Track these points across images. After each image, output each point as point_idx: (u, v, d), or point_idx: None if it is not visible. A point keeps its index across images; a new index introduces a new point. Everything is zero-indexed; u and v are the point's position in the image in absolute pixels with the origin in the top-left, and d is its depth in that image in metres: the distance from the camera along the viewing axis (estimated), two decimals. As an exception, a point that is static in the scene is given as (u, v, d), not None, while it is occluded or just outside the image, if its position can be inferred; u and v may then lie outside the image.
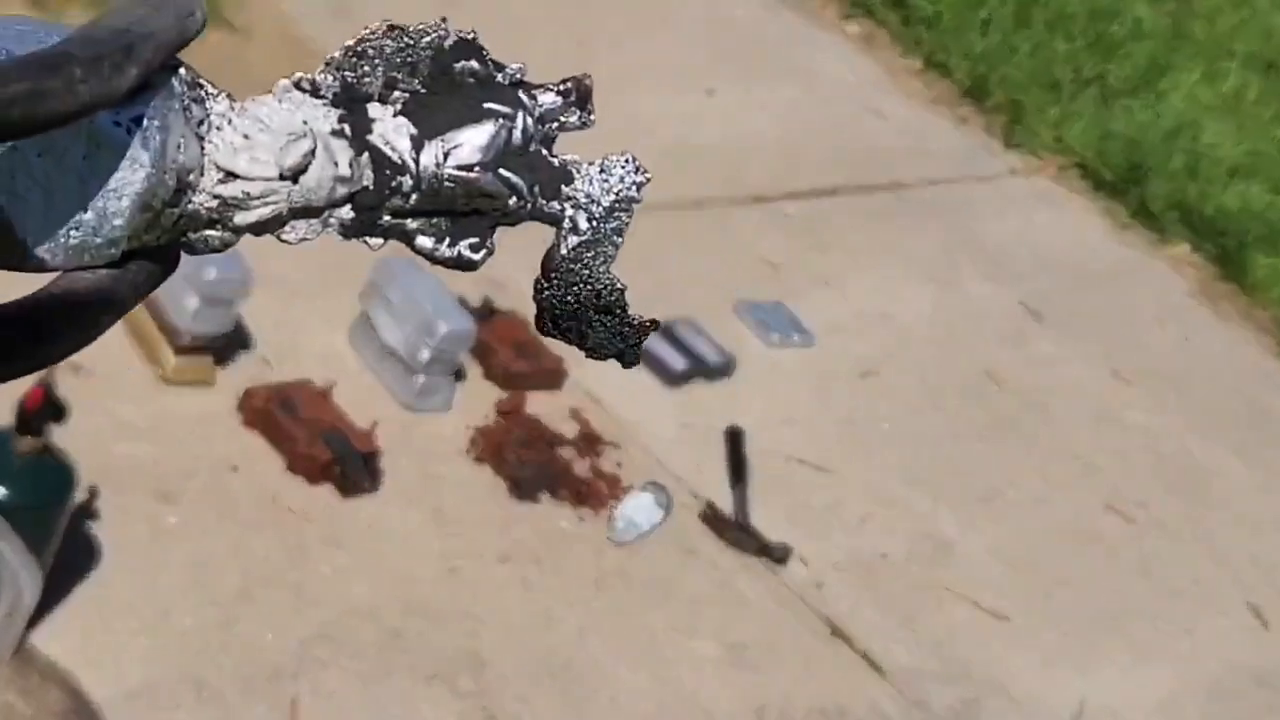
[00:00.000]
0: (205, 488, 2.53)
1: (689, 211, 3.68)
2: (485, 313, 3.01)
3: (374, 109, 0.53)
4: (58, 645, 2.20)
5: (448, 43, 0.53)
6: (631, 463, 2.88)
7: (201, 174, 0.50)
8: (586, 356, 0.57)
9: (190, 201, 0.50)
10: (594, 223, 0.57)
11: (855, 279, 3.70)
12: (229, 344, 2.72)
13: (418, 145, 0.53)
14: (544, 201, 0.56)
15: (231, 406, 2.65)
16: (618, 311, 0.57)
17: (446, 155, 0.53)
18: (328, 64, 0.53)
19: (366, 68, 0.53)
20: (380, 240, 0.54)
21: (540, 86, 0.56)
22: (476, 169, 0.54)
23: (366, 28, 0.54)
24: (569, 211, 0.56)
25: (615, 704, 2.48)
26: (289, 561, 2.47)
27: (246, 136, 0.50)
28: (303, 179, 0.51)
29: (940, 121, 4.56)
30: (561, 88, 0.56)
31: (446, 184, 0.53)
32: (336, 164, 0.52)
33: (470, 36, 0.54)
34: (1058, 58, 4.98)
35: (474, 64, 0.54)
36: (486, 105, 0.54)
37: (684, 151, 3.88)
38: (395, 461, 2.67)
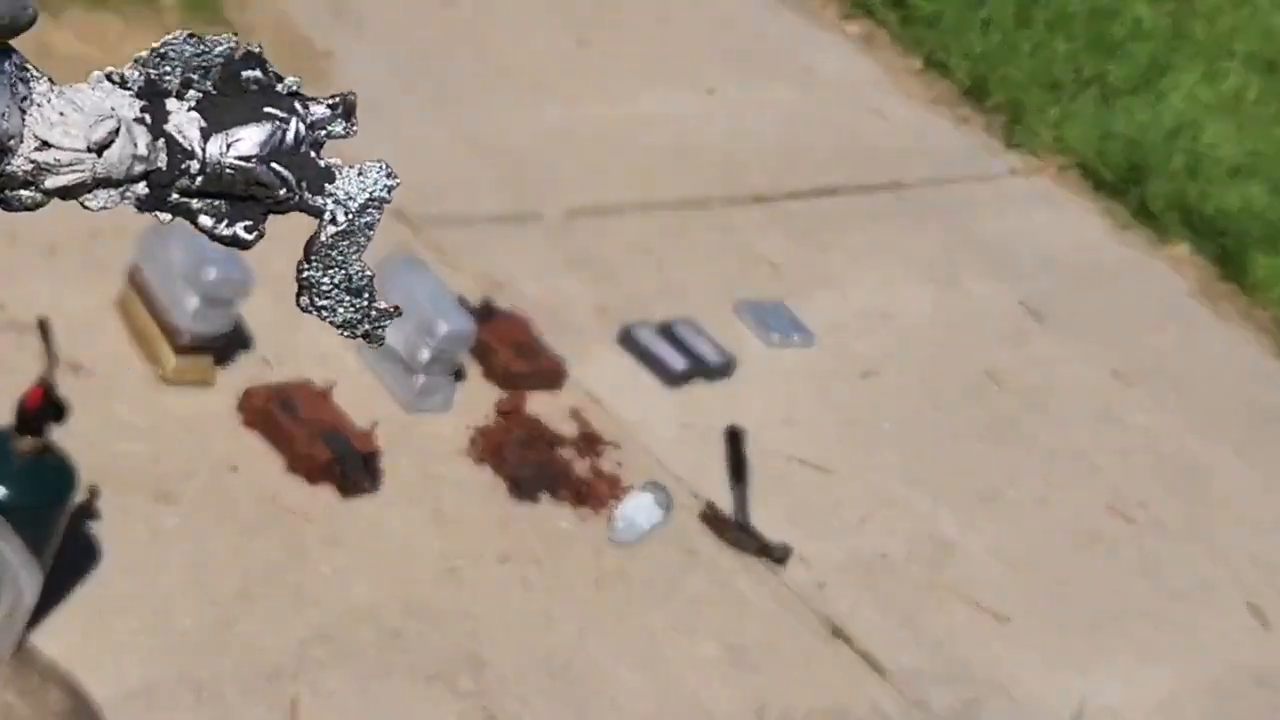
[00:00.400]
0: (205, 488, 2.52)
1: (689, 211, 3.68)
2: (485, 313, 3.01)
3: (171, 103, 0.62)
4: (57, 645, 2.20)
5: (238, 54, 0.63)
6: (631, 463, 2.88)
7: (21, 141, 0.59)
8: (339, 333, 0.66)
9: (9, 164, 0.59)
10: (349, 217, 0.65)
11: (855, 279, 3.70)
12: (229, 344, 2.72)
13: (205, 136, 0.62)
14: (309, 195, 0.65)
15: (231, 406, 2.65)
16: (366, 295, 0.66)
17: (229, 146, 0.62)
18: (135, 61, 0.62)
19: (167, 68, 0.62)
20: (169, 216, 0.63)
21: (314, 99, 0.65)
22: (253, 160, 0.63)
23: (169, 33, 0.64)
24: (329, 205, 0.65)
25: (615, 704, 2.48)
26: (289, 562, 2.47)
27: (62, 114, 0.60)
28: (106, 153, 0.60)
29: (940, 121, 4.56)
30: (331, 101, 0.66)
31: (227, 171, 0.62)
32: (136, 145, 0.61)
33: (257, 50, 0.64)
34: (1058, 57, 4.98)
35: (258, 73, 0.63)
36: (266, 109, 0.63)
37: (684, 151, 3.87)
38: (395, 461, 2.67)
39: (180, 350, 2.64)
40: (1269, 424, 3.80)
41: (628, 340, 3.15)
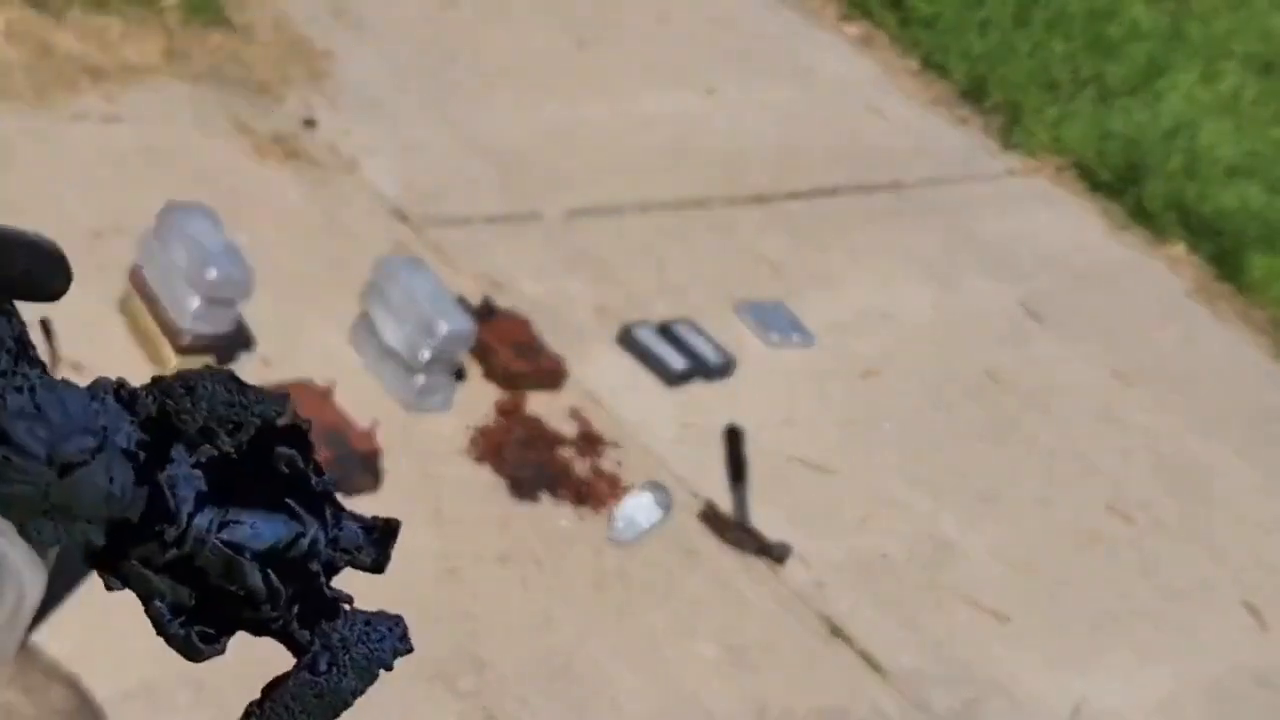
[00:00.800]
0: (206, 487, 2.52)
1: (689, 211, 3.68)
2: (485, 313, 3.01)
3: (177, 450, 0.51)
4: (59, 644, 2.20)
5: (280, 420, 0.51)
6: (631, 463, 2.88)
7: None
8: None
9: None
10: (334, 671, 0.53)
11: (855, 279, 3.70)
12: (230, 344, 2.72)
13: (199, 504, 0.51)
14: (296, 625, 0.52)
15: (232, 406, 2.65)
16: None
17: (223, 525, 0.51)
18: (154, 382, 0.51)
19: (190, 405, 0.51)
20: (118, 583, 0.51)
21: (348, 513, 0.53)
22: (246, 554, 0.51)
23: (209, 367, 0.52)
24: (316, 646, 0.53)
25: (615, 704, 2.48)
26: (290, 561, 2.47)
27: (38, 408, 0.49)
28: (69, 477, 0.48)
29: (939, 122, 4.57)
30: (368, 523, 0.54)
31: (209, 551, 0.50)
32: (111, 481, 0.49)
33: (304, 427, 0.52)
34: (1056, 58, 4.98)
35: (295, 456, 0.52)
36: (288, 501, 0.52)
37: (683, 151, 3.88)
38: (395, 461, 2.67)
39: (182, 350, 2.64)
40: (1268, 424, 3.80)
41: (627, 340, 3.16)
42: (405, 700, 2.35)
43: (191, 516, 0.50)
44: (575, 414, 2.93)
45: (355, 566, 0.54)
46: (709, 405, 3.13)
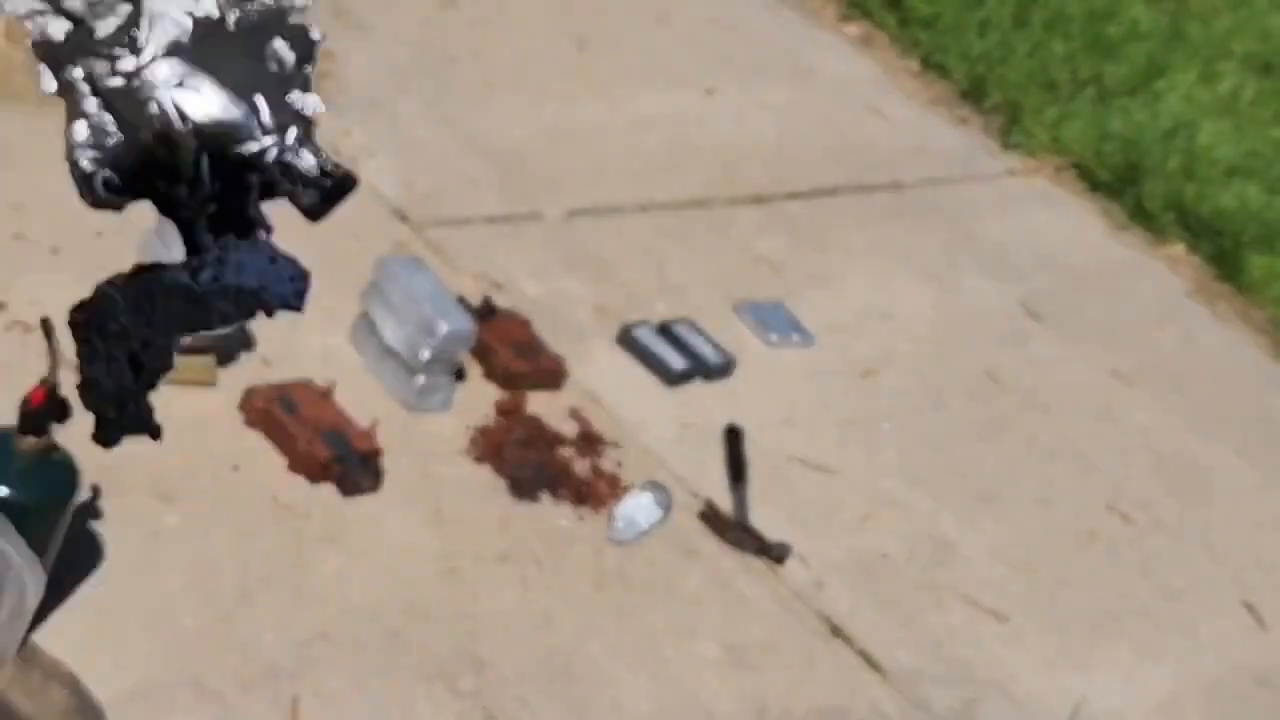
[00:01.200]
0: (206, 487, 2.53)
1: (688, 211, 3.68)
2: (485, 313, 3.01)
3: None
4: (59, 644, 2.20)
5: (294, 18, 0.49)
6: (631, 463, 2.88)
7: None
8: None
9: None
10: (215, 287, 0.50)
11: (854, 279, 3.70)
12: (230, 343, 2.72)
13: (170, 51, 0.48)
14: (204, 225, 0.50)
15: (233, 406, 2.65)
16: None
17: (180, 84, 0.48)
18: None
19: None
20: (53, 87, 0.47)
21: (316, 146, 0.49)
22: (188, 123, 0.48)
23: None
24: (210, 255, 0.50)
25: (615, 704, 2.48)
26: (289, 561, 2.47)
27: None
28: None
29: (939, 122, 4.57)
30: (328, 166, 0.50)
31: (154, 100, 0.47)
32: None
33: (316, 37, 0.49)
34: (1055, 58, 4.98)
35: (289, 56, 0.49)
36: (256, 96, 0.49)
37: (683, 151, 3.88)
38: (395, 461, 2.67)
39: (182, 350, 2.64)
40: (1267, 424, 3.80)
41: (627, 340, 3.16)
42: (405, 700, 2.35)
43: (154, 58, 0.48)
44: (575, 414, 2.93)
45: (292, 201, 0.50)
46: (709, 405, 3.13)
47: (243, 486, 2.55)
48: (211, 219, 0.51)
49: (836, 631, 2.76)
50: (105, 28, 0.49)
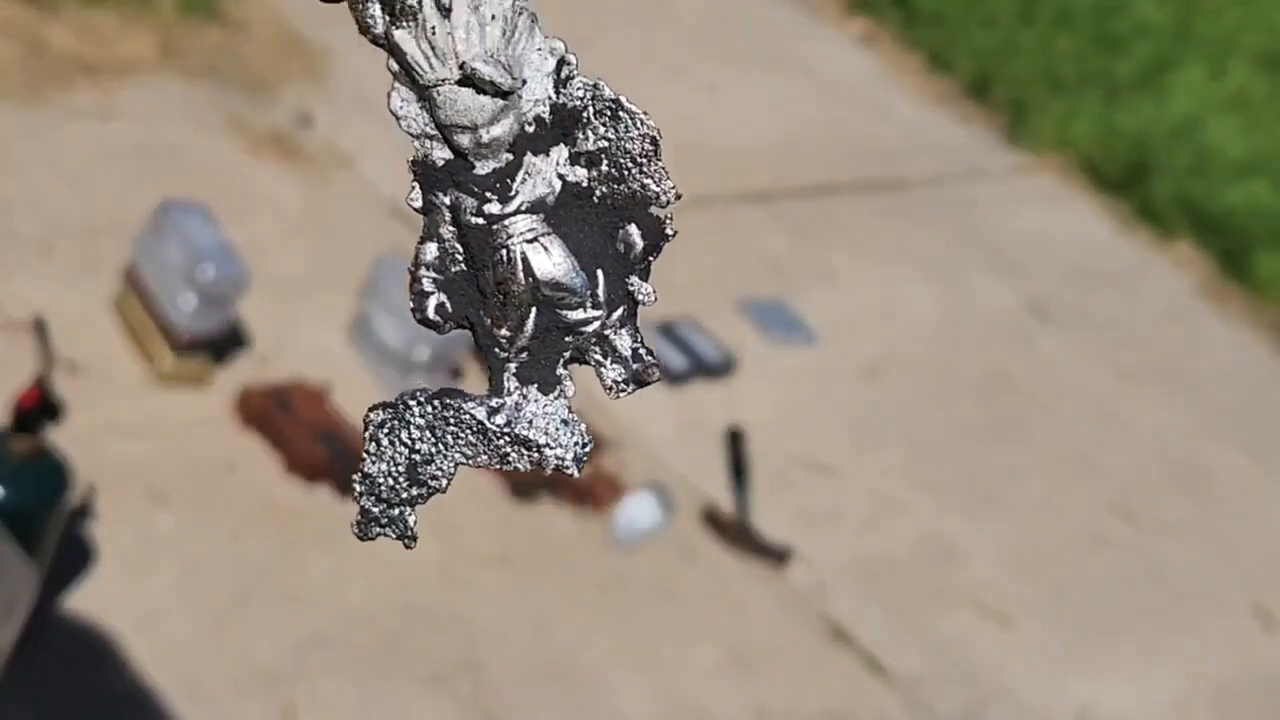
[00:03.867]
0: (202, 488, 2.50)
1: (690, 209, 3.66)
2: (485, 311, 2.98)
3: (559, 150, 0.52)
4: (52, 648, 2.18)
5: (658, 209, 0.52)
6: (631, 463, 2.86)
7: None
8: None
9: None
10: (504, 429, 0.54)
11: (858, 277, 3.68)
12: (226, 342, 2.70)
13: (534, 208, 0.52)
14: (511, 367, 0.54)
15: (229, 406, 2.63)
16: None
17: (534, 239, 0.52)
18: (596, 88, 0.52)
19: (603, 128, 0.52)
20: (417, 199, 0.52)
21: (638, 334, 0.54)
22: (528, 279, 0.52)
23: (643, 120, 0.53)
24: (508, 400, 0.54)
25: (615, 707, 2.46)
26: (285, 563, 2.44)
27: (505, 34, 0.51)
28: (468, 86, 0.50)
29: (943, 119, 4.54)
30: (635, 359, 0.55)
31: (505, 249, 0.51)
32: (495, 120, 0.51)
33: (668, 233, 0.52)
34: (1061, 54, 4.95)
35: (640, 247, 0.53)
36: (599, 268, 0.53)
37: (685, 148, 3.85)
38: (394, 462, 2.65)
39: (177, 349, 2.62)
40: (1274, 424, 3.77)
41: (628, 339, 3.13)
42: (402, 704, 2.33)
43: (519, 210, 0.52)
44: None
45: (597, 372, 0.54)
46: (710, 405, 3.10)
47: (238, 488, 2.53)
48: (520, 367, 0.55)
49: (839, 635, 2.73)
50: (483, 168, 0.52)
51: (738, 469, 2.95)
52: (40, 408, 2.09)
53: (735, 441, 3.00)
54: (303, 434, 2.58)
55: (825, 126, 4.22)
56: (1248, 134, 4.86)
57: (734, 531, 2.81)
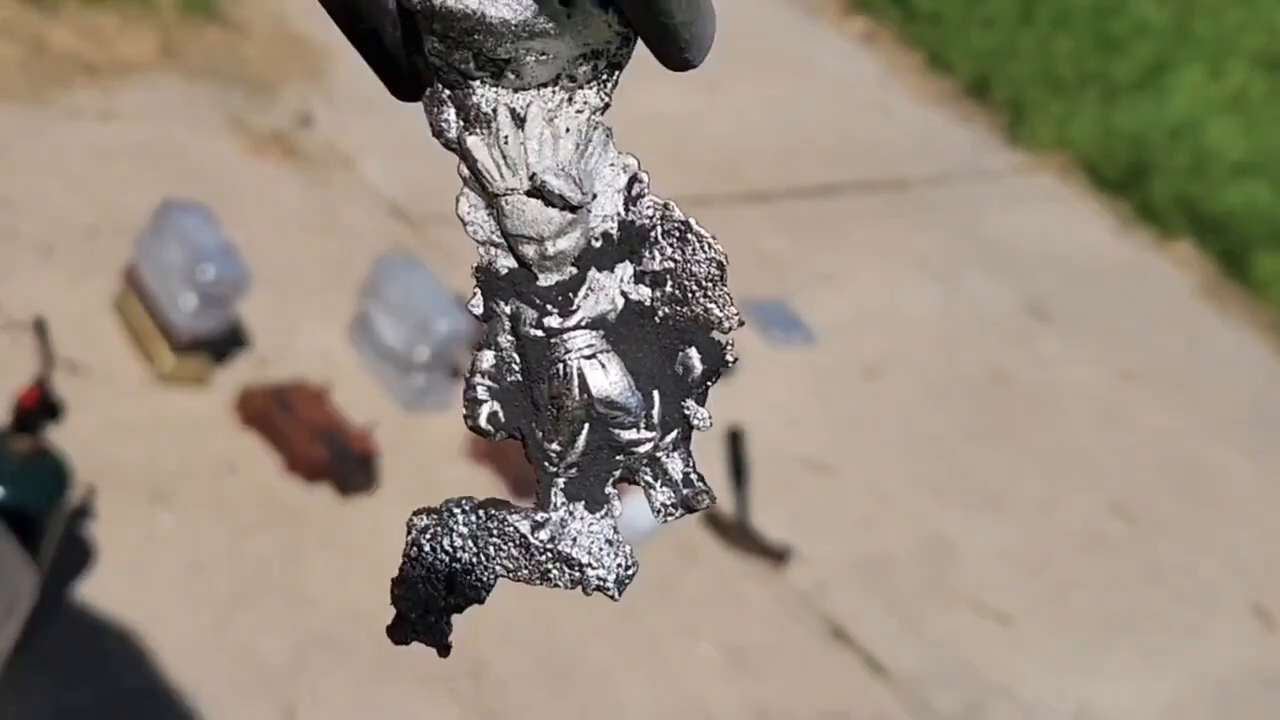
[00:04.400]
0: (202, 488, 2.50)
1: (690, 208, 3.65)
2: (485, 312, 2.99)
3: (624, 266, 0.52)
4: (53, 647, 2.18)
5: (719, 333, 0.52)
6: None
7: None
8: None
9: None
10: (547, 546, 0.53)
11: (858, 277, 3.68)
12: (226, 343, 2.70)
13: (595, 325, 0.52)
14: (560, 483, 0.53)
15: (229, 406, 2.63)
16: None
17: (591, 356, 0.52)
18: (667, 210, 0.52)
19: (664, 251, 0.52)
20: (479, 306, 0.52)
21: (689, 461, 0.54)
22: (583, 395, 0.51)
23: (711, 245, 0.52)
24: (554, 515, 0.53)
25: (616, 707, 2.46)
26: (286, 562, 2.45)
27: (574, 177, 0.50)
28: (538, 197, 0.50)
29: (943, 119, 4.54)
30: (684, 495, 0.54)
31: (560, 363, 0.51)
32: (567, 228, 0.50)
33: (730, 359, 0.52)
34: (1060, 55, 4.96)
35: (699, 372, 0.52)
36: (655, 389, 0.52)
37: (686, 148, 3.85)
38: (394, 461, 2.65)
39: (177, 349, 2.62)
40: (1274, 424, 3.77)
41: (628, 339, 3.13)
42: (403, 703, 2.33)
43: (579, 325, 0.51)
44: (575, 414, 2.91)
45: (646, 494, 0.53)
46: (710, 405, 3.10)
47: (238, 487, 2.53)
48: (568, 483, 0.54)
49: (839, 634, 2.73)
50: (546, 280, 0.52)
51: (738, 469, 2.95)
52: (40, 408, 2.09)
53: (735, 441, 3.01)
54: (303, 434, 2.58)
55: (825, 127, 4.22)
56: (1247, 134, 4.87)
57: (734, 531, 2.82)
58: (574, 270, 0.51)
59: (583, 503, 0.54)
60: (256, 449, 2.58)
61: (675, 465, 0.54)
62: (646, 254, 0.52)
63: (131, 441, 2.52)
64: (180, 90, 3.32)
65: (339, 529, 2.54)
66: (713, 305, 0.52)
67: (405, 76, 0.51)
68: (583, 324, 0.52)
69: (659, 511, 0.54)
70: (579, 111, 0.50)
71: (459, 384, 2.86)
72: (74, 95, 3.17)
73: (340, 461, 2.58)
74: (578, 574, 0.54)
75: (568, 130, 0.50)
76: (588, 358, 0.52)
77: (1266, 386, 3.95)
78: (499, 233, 0.51)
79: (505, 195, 0.50)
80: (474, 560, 0.54)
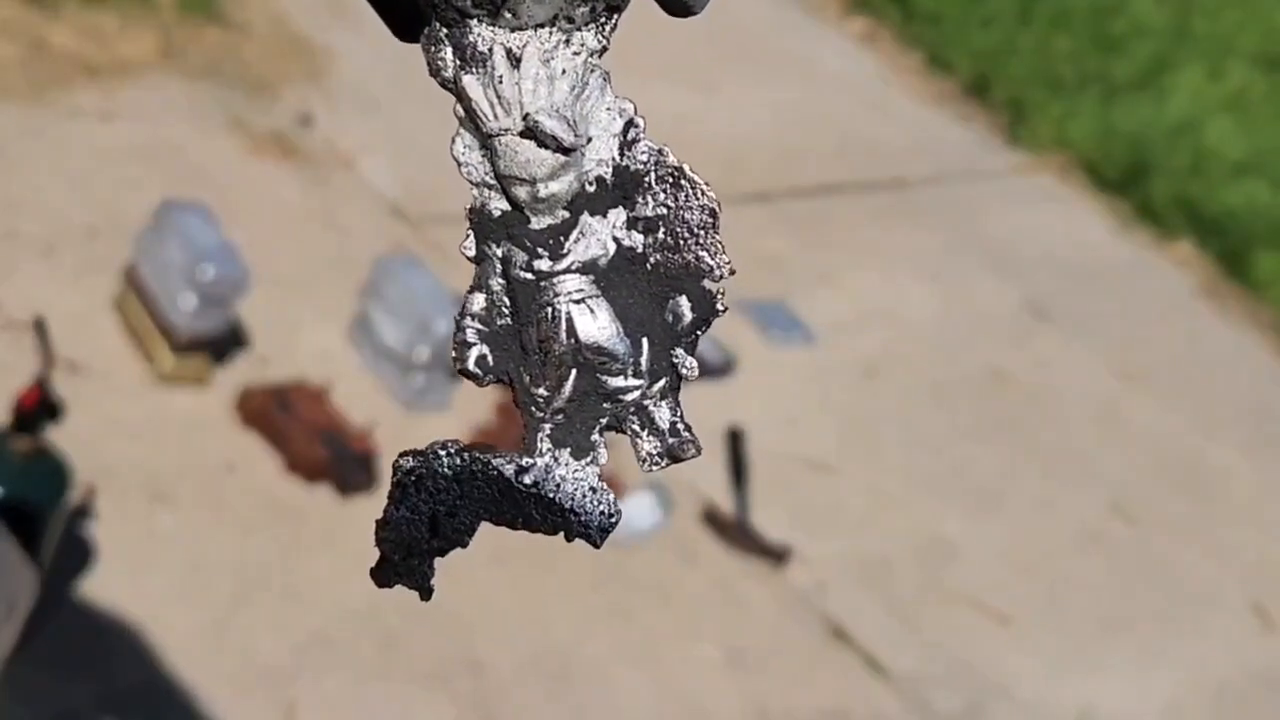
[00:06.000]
0: (202, 488, 2.50)
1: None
2: (485, 311, 2.99)
3: (616, 212, 0.52)
4: (53, 646, 2.18)
5: (710, 281, 0.52)
6: (631, 463, 2.85)
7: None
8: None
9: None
10: (530, 491, 0.53)
11: (857, 277, 3.68)
12: (226, 343, 2.70)
13: (585, 269, 0.51)
14: (546, 429, 0.53)
15: (229, 406, 2.63)
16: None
17: (580, 300, 0.51)
18: (661, 156, 0.52)
19: (661, 197, 0.52)
20: (470, 247, 0.52)
21: (676, 407, 0.53)
22: (571, 340, 0.51)
23: (705, 191, 0.52)
24: (539, 460, 0.53)
25: (614, 707, 2.46)
26: (286, 562, 2.45)
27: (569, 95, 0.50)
28: (531, 138, 0.50)
29: (943, 119, 4.54)
30: (673, 441, 0.54)
31: (550, 307, 0.51)
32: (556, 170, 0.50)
33: (720, 308, 0.52)
34: (1060, 55, 4.96)
35: (688, 320, 0.52)
36: (643, 337, 0.52)
37: (685, 148, 3.83)
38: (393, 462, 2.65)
39: (177, 349, 2.62)
40: (1273, 424, 3.78)
41: (628, 339, 3.13)
42: (402, 702, 2.33)
43: (569, 269, 0.51)
44: (575, 414, 2.91)
45: (631, 441, 0.53)
46: (710, 405, 3.10)
47: (238, 487, 2.53)
48: (554, 429, 0.53)
49: (838, 634, 2.73)
50: (538, 223, 0.51)
51: (737, 469, 2.95)
52: (40, 407, 2.10)
53: (735, 441, 3.01)
54: (303, 434, 2.58)
55: (824, 126, 4.22)
56: (1246, 134, 4.87)
57: (733, 531, 2.82)
58: (566, 214, 0.51)
59: (568, 449, 0.53)
60: (256, 449, 2.59)
61: (663, 414, 0.53)
62: (640, 200, 0.52)
63: (131, 441, 2.52)
64: (180, 90, 3.32)
65: (339, 529, 2.54)
66: (704, 253, 0.52)
67: (404, 14, 0.50)
68: (573, 268, 0.51)
69: (644, 460, 0.54)
70: (575, 54, 0.50)
71: (458, 384, 2.86)
72: (74, 95, 3.17)
73: (340, 461, 2.58)
74: (559, 519, 0.53)
75: (564, 72, 0.50)
76: (577, 302, 0.51)
77: (1266, 386, 3.95)
78: (492, 174, 0.51)
79: (499, 135, 0.50)
80: (457, 503, 0.54)
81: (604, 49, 0.51)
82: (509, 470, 0.53)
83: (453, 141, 0.51)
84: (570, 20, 0.50)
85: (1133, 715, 2.84)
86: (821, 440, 3.15)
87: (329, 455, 2.57)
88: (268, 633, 2.33)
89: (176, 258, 2.61)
